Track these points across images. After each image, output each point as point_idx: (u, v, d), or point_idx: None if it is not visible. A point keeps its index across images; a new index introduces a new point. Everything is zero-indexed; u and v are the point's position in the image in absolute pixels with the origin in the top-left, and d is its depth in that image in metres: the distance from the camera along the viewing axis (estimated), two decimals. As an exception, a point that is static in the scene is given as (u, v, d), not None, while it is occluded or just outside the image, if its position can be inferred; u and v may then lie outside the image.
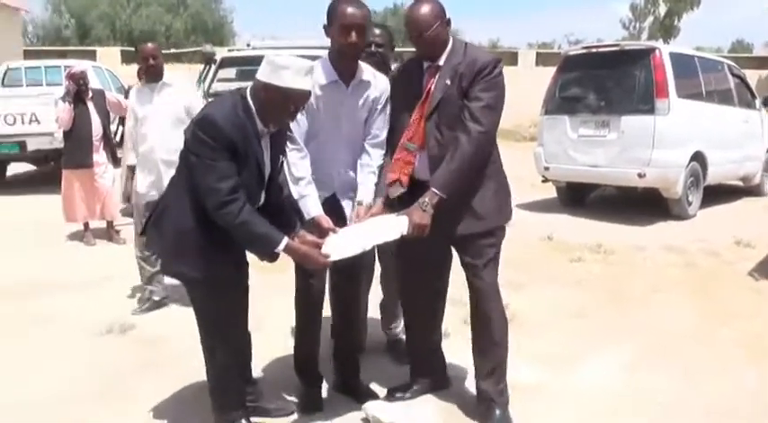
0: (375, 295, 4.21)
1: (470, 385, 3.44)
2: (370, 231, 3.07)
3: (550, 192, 9.38)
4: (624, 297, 5.36)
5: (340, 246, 2.99)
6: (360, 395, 3.51)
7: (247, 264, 3.19)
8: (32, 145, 9.89)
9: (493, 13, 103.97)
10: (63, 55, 20.12)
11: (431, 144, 3.16)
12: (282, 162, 3.13)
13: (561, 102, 8.81)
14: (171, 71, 5.21)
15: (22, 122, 9.80)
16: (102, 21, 41.87)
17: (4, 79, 12.83)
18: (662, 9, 45.52)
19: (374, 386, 3.66)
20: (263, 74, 2.78)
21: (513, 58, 27.28)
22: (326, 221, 3.16)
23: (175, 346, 4.39)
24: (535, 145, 9.36)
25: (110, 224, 7.37)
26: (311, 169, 3.23)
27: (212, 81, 8.95)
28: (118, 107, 7.35)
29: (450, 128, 3.11)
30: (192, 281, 3.05)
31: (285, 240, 2.85)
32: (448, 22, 3.15)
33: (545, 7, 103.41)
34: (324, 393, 3.59)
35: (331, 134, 3.26)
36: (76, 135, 7.06)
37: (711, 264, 6.38)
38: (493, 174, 3.22)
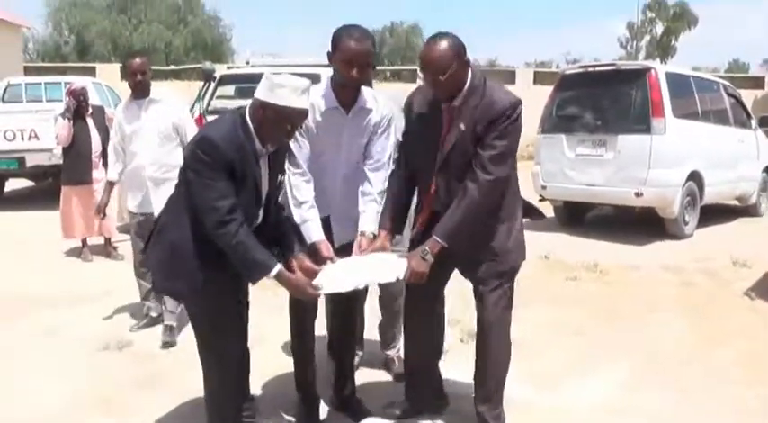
0: (374, 316, 4.23)
1: (466, 404, 3.44)
2: (367, 268, 3.06)
3: (548, 211, 9.41)
4: (620, 316, 5.37)
5: (334, 278, 3.00)
6: (356, 413, 3.52)
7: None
8: (31, 161, 9.93)
9: (491, 31, 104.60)
10: (63, 71, 20.17)
11: (440, 189, 3.15)
12: (281, 182, 3.14)
13: (558, 121, 8.87)
14: (167, 87, 5.19)
15: (22, 138, 9.85)
16: (101, 38, 42.05)
17: (4, 95, 12.86)
18: (659, 28, 45.96)
19: (371, 404, 3.64)
20: (260, 93, 2.81)
21: (510, 77, 27.37)
22: (327, 249, 3.16)
23: (172, 361, 4.42)
24: (532, 164, 9.40)
25: (107, 240, 7.40)
26: None
27: (211, 98, 9.00)
28: None
29: (459, 176, 3.06)
30: (189, 296, 3.07)
31: (278, 268, 2.85)
32: (467, 62, 3.02)
33: (543, 26, 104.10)
34: (321, 411, 3.58)
35: (330, 159, 3.26)
36: (76, 151, 7.11)
37: (708, 283, 6.40)
38: (513, 212, 3.22)
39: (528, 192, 9.16)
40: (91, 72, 21.25)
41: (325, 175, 3.28)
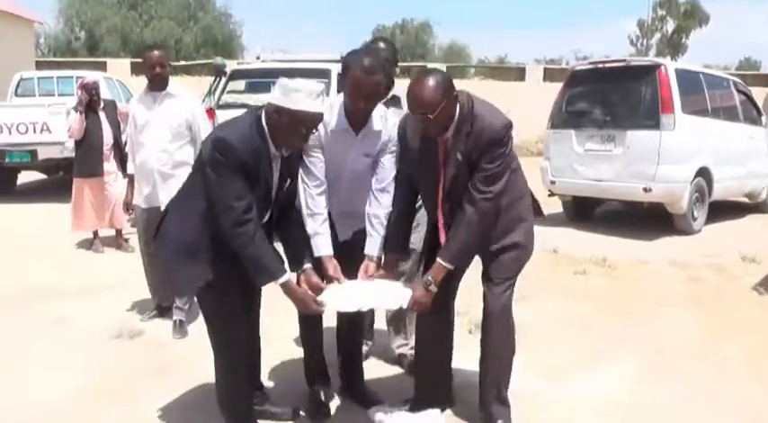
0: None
1: (473, 395, 3.47)
2: (371, 293, 3.13)
3: (556, 206, 9.42)
4: (628, 310, 5.39)
5: (338, 298, 3.08)
6: (365, 401, 3.56)
7: None
8: (43, 154, 10.00)
9: (501, 28, 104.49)
10: (74, 66, 20.28)
11: (446, 217, 3.20)
12: (292, 185, 3.19)
13: (568, 116, 8.88)
14: (177, 83, 5.14)
15: (34, 131, 9.91)
16: (112, 34, 42.17)
17: (17, 89, 12.98)
18: (670, 26, 45.75)
19: (380, 395, 3.68)
20: (275, 97, 2.87)
21: (520, 74, 27.32)
22: (334, 269, 3.23)
23: (183, 351, 4.47)
24: (541, 159, 9.41)
25: (118, 232, 7.46)
26: None
27: (222, 93, 9.04)
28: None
29: (459, 201, 3.13)
30: (201, 282, 3.11)
31: (286, 277, 2.95)
32: (455, 97, 3.04)
33: (553, 24, 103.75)
34: (331, 399, 3.63)
35: (333, 177, 3.32)
36: (87, 144, 7.17)
37: (716, 278, 6.40)
38: (528, 208, 3.33)
39: (536, 187, 9.19)
40: (102, 67, 21.32)
41: (329, 177, 3.32)
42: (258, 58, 10.59)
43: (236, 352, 3.19)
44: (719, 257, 7.10)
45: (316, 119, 2.93)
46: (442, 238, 3.21)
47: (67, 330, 4.81)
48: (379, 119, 3.28)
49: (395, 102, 3.91)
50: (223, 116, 7.97)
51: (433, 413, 3.35)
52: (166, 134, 4.77)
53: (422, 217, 3.51)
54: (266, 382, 3.72)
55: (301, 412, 3.51)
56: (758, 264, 6.78)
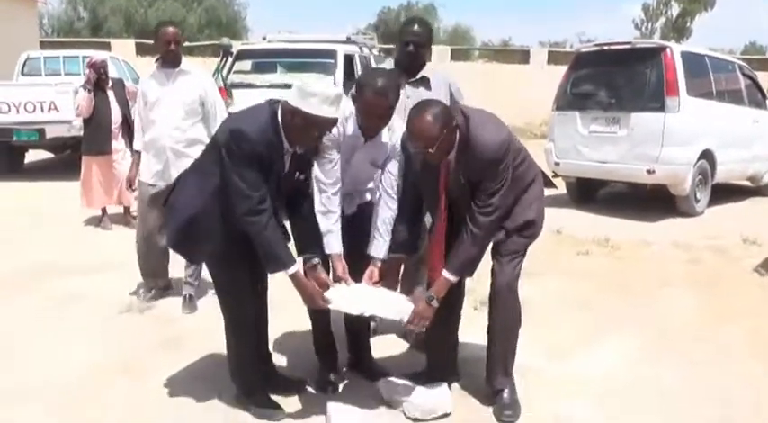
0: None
1: (479, 369, 3.56)
2: (376, 300, 3.21)
3: (560, 187, 9.45)
4: (630, 290, 5.45)
5: (344, 298, 3.17)
6: (373, 374, 3.64)
7: None
8: (51, 132, 10.05)
9: (505, 11, 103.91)
10: (78, 46, 20.23)
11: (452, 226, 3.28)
12: (301, 177, 3.25)
13: (573, 98, 8.90)
14: (188, 60, 5.16)
15: (42, 110, 9.95)
16: (115, 14, 42.05)
17: (23, 68, 13.00)
18: (674, 10, 45.43)
19: (387, 368, 3.75)
20: (292, 99, 2.94)
21: (524, 57, 27.32)
22: (342, 270, 3.33)
23: (192, 325, 4.57)
24: (546, 141, 9.45)
25: (126, 210, 7.54)
26: None
27: (229, 73, 9.09)
28: (136, 96, 7.48)
29: (462, 213, 3.22)
30: (210, 255, 3.25)
31: (295, 268, 3.05)
32: (454, 127, 3.08)
33: (557, 7, 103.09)
34: (339, 372, 3.71)
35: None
36: (96, 123, 7.22)
37: (718, 260, 6.45)
38: (540, 188, 3.44)
39: (541, 168, 9.26)
40: (106, 47, 21.28)
41: None
42: (264, 38, 10.64)
43: (246, 324, 3.29)
44: (721, 239, 7.14)
45: (329, 123, 3.02)
46: (440, 249, 3.29)
47: (77, 306, 4.88)
48: (386, 131, 3.36)
49: (424, 83, 3.97)
50: (238, 96, 8.07)
51: (440, 386, 3.43)
52: (180, 111, 4.75)
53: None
54: (275, 354, 3.79)
55: (308, 387, 3.58)
56: (759, 246, 6.83)
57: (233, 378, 3.40)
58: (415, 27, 4.01)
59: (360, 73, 9.43)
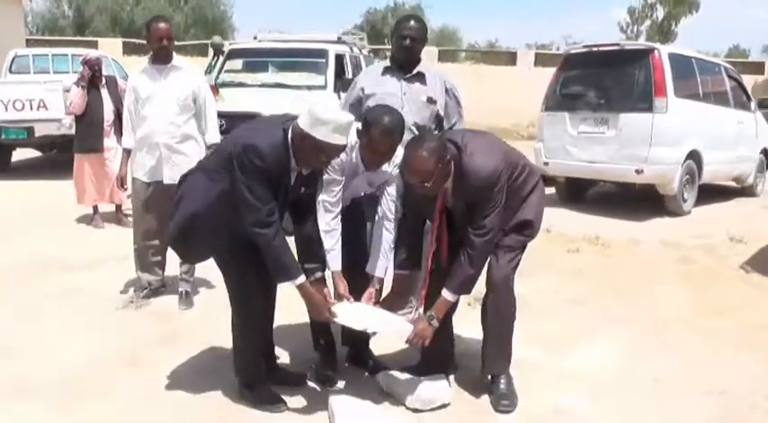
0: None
1: (475, 362, 3.63)
2: (376, 319, 3.31)
3: (549, 187, 9.53)
4: (621, 286, 5.54)
5: (348, 314, 3.27)
6: (372, 367, 3.70)
7: None
8: (40, 131, 9.97)
9: (491, 13, 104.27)
10: (65, 45, 20.13)
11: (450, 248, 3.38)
12: (306, 193, 3.34)
13: (562, 99, 8.98)
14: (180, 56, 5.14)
15: (31, 108, 9.88)
16: (101, 13, 41.83)
17: (11, 66, 12.92)
18: (660, 13, 45.77)
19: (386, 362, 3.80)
20: (304, 122, 3.00)
21: (512, 59, 27.44)
22: (344, 289, 3.41)
23: (189, 320, 4.60)
24: (535, 141, 9.53)
25: (118, 208, 7.53)
26: None
27: (220, 71, 9.11)
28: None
29: (459, 234, 3.32)
30: (217, 253, 3.32)
31: (302, 279, 3.13)
32: (449, 160, 3.16)
33: (543, 10, 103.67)
34: (339, 365, 3.76)
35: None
36: (88, 120, 7.21)
37: (706, 257, 6.55)
38: (540, 190, 3.53)
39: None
40: (93, 46, 21.17)
41: None
42: (255, 37, 10.66)
43: (253, 319, 3.35)
44: (709, 238, 7.25)
45: (338, 150, 3.09)
46: (428, 263, 3.41)
47: (73, 301, 4.89)
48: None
49: (420, 78, 4.00)
50: (229, 95, 8.09)
51: (438, 378, 3.49)
52: (174, 107, 4.74)
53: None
54: (276, 348, 3.82)
55: (310, 381, 3.63)
56: (745, 244, 6.94)
57: (236, 371, 3.44)
58: (412, 23, 4.04)
59: (350, 73, 9.49)
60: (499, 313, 3.45)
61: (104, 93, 7.25)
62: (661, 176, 8.22)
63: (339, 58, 9.85)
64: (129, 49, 23.45)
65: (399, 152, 3.36)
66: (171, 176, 4.73)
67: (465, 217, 3.29)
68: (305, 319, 3.71)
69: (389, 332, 3.34)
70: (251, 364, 3.40)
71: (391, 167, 3.42)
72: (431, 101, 3.91)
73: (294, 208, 3.36)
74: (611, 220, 8.12)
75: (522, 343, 3.77)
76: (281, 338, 3.70)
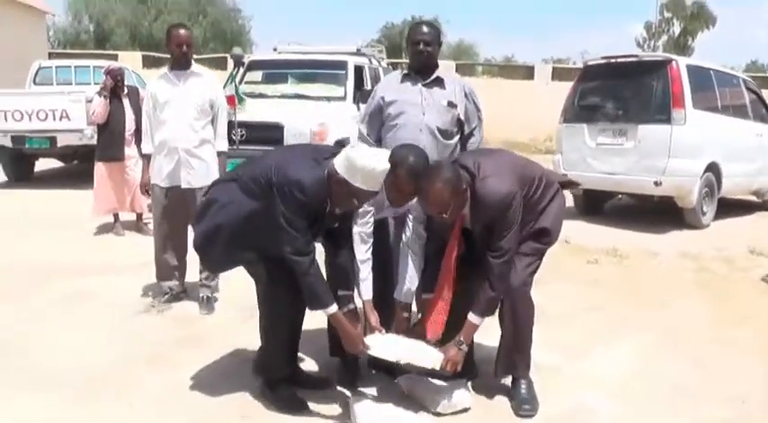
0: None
1: (492, 367, 3.64)
2: (408, 349, 3.34)
3: (567, 200, 9.49)
4: (639, 296, 5.53)
5: (382, 346, 3.32)
6: (394, 371, 3.67)
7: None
8: (62, 141, 10.10)
9: (509, 29, 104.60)
10: (87, 58, 20.44)
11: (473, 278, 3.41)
12: (338, 226, 3.46)
13: (580, 110, 8.97)
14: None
15: (54, 118, 10.01)
16: (120, 27, 42.43)
17: (36, 77, 13.11)
18: (676, 28, 45.80)
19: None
20: (340, 166, 3.09)
21: (529, 73, 27.49)
22: (375, 320, 3.49)
23: (210, 324, 4.65)
24: (553, 153, 9.52)
25: (139, 217, 7.61)
26: None
27: (240, 82, 9.19)
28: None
29: (478, 256, 3.36)
30: (244, 261, 3.40)
31: (334, 308, 3.21)
32: (465, 190, 3.20)
33: (559, 26, 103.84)
34: (360, 370, 3.77)
35: None
36: (110, 129, 7.31)
37: (725, 269, 6.52)
38: (560, 200, 3.59)
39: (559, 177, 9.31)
40: (113, 59, 21.45)
41: None
42: (275, 49, 10.75)
43: (282, 322, 3.40)
44: (728, 250, 7.20)
45: (371, 196, 3.18)
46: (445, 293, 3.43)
47: (95, 305, 4.94)
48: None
49: (438, 83, 4.00)
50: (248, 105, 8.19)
51: (459, 382, 3.50)
52: (192, 111, 4.80)
53: None
54: (300, 350, 3.83)
55: (331, 386, 3.65)
56: (766, 257, 6.90)
57: (259, 370, 3.48)
58: (424, 27, 4.01)
59: (370, 84, 9.53)
60: (516, 318, 3.47)
61: (126, 103, 7.35)
62: (679, 188, 8.19)
63: (358, 70, 9.91)
64: (148, 63, 23.77)
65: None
66: (188, 181, 4.80)
67: (483, 237, 3.33)
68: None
69: (422, 363, 3.35)
70: (275, 365, 3.43)
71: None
72: (451, 105, 3.92)
73: (328, 237, 3.46)
74: (630, 233, 8.09)
75: (540, 348, 3.78)
76: (304, 341, 3.72)
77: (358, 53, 10.42)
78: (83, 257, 6.27)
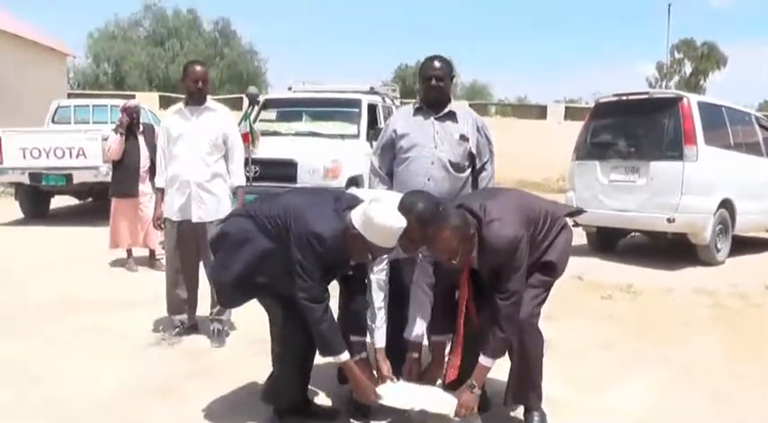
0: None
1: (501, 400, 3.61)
2: (420, 396, 3.35)
3: (581, 237, 9.46)
4: (653, 331, 5.48)
5: (394, 394, 3.32)
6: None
7: None
8: (78, 178, 10.23)
9: (520, 70, 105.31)
10: (105, 99, 20.83)
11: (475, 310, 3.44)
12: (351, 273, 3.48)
13: (592, 147, 8.98)
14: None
15: (70, 156, 10.16)
16: (137, 69, 43.18)
17: (54, 116, 13.33)
18: (688, 68, 45.99)
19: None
20: (357, 221, 3.14)
21: (542, 112, 27.60)
22: (388, 369, 3.50)
23: (221, 357, 4.64)
24: (566, 190, 9.52)
25: (152, 253, 7.65)
26: None
27: (255, 120, 9.30)
28: None
29: (487, 296, 3.38)
30: (264, 297, 3.42)
31: (346, 357, 3.21)
32: (472, 235, 3.21)
33: (571, 66, 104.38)
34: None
35: None
36: (125, 166, 7.40)
37: (740, 305, 6.46)
38: (567, 234, 3.58)
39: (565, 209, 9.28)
40: (131, 99, 21.83)
41: None
42: (290, 88, 10.88)
43: (293, 353, 3.40)
44: (743, 286, 7.13)
45: (385, 251, 3.21)
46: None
47: (105, 338, 4.96)
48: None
49: (451, 117, 4.03)
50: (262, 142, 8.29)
51: (472, 414, 3.46)
52: (205, 146, 4.84)
53: None
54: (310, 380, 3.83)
55: (342, 417, 3.63)
56: (783, 293, 6.83)
57: (268, 398, 3.48)
58: (436, 63, 4.03)
59: (383, 123, 9.60)
60: (524, 349, 3.45)
61: (141, 140, 7.45)
62: (693, 225, 8.15)
63: (372, 108, 10.01)
64: (165, 103, 24.10)
65: None
66: (199, 216, 4.84)
67: (491, 279, 3.34)
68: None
69: (436, 408, 3.33)
70: (286, 393, 3.43)
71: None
72: (463, 138, 3.95)
73: (343, 282, 3.50)
74: (644, 269, 8.04)
75: (553, 382, 3.76)
76: (315, 371, 3.71)
77: (371, 92, 10.52)
78: (96, 292, 6.31)
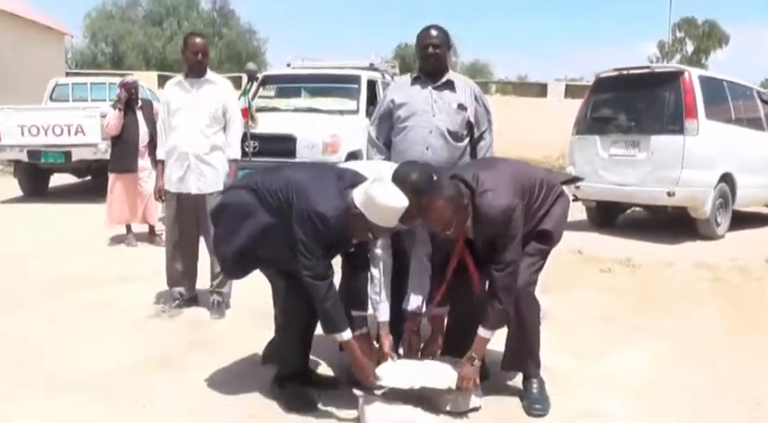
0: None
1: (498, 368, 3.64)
2: (421, 372, 3.34)
3: (580, 212, 9.46)
4: (653, 304, 5.48)
5: (393, 374, 3.31)
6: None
7: None
8: (77, 155, 10.20)
9: (521, 49, 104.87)
10: (103, 77, 20.76)
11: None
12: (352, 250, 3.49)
13: (592, 122, 8.96)
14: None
15: (69, 133, 10.12)
16: (135, 49, 42.94)
17: (52, 94, 13.26)
18: (689, 47, 45.71)
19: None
20: (359, 199, 3.11)
21: (542, 91, 27.49)
22: (390, 346, 3.52)
23: (221, 329, 4.66)
24: (566, 167, 9.50)
25: (151, 228, 7.64)
26: None
27: (254, 97, 9.26)
28: None
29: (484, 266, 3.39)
30: (266, 268, 3.45)
31: (348, 335, 3.20)
32: (466, 205, 3.20)
33: (572, 46, 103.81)
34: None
35: None
36: (124, 141, 7.37)
37: (740, 279, 6.45)
38: (563, 204, 3.58)
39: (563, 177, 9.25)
40: (129, 78, 21.77)
41: None
42: (289, 64, 10.83)
43: (296, 322, 3.40)
44: (743, 260, 7.12)
45: (386, 231, 3.20)
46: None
47: (105, 312, 4.97)
48: None
49: (449, 86, 4.00)
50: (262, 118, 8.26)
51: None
52: (204, 118, 4.83)
53: None
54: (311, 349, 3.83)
55: (341, 386, 3.63)
56: (783, 267, 6.83)
57: (270, 360, 3.59)
58: (432, 31, 3.99)
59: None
60: (521, 317, 3.45)
61: (140, 115, 7.42)
62: (693, 199, 8.14)
63: (371, 84, 9.95)
64: (163, 82, 23.91)
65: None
66: (198, 187, 4.84)
67: (486, 250, 3.34)
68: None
69: (437, 384, 3.33)
70: (289, 359, 3.45)
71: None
72: (462, 107, 3.93)
73: (345, 258, 3.50)
74: (643, 243, 8.03)
75: (552, 352, 3.79)
76: (317, 341, 3.72)
77: (371, 68, 10.47)
78: (96, 268, 6.31)
